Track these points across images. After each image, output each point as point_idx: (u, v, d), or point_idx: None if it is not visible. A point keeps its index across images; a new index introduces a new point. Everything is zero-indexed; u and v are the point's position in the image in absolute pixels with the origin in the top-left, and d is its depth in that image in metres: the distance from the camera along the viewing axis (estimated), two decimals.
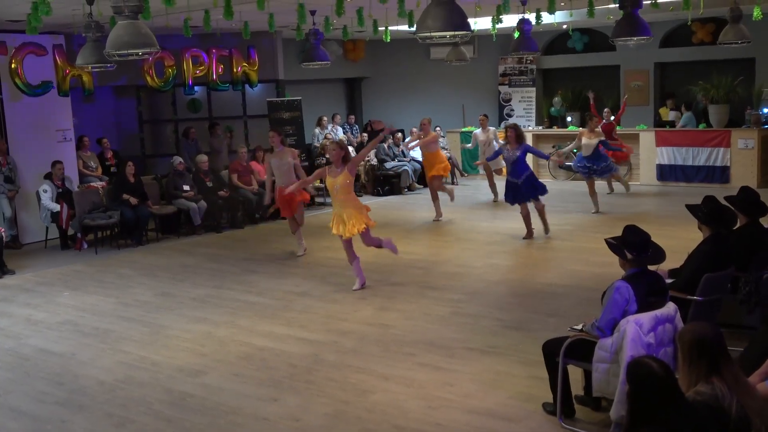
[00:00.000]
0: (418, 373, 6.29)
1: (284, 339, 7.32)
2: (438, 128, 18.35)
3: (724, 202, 6.38)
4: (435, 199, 13.09)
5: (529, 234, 11.24)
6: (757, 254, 6.16)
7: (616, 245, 5.05)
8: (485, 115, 15.24)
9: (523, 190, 11.03)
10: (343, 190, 8.67)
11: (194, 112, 16.20)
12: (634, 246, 4.95)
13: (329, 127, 17.37)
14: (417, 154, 17.27)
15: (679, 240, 8.63)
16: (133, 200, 12.17)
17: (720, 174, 15.39)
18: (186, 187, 12.93)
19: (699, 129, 15.79)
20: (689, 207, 6.29)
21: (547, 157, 12.32)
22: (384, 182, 16.72)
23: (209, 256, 11.34)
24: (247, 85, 16.10)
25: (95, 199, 12.37)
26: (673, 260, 6.01)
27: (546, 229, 11.37)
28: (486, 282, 9.13)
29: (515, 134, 11.03)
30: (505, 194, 11.42)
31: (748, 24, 11.57)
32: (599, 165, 13.27)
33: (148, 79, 14.85)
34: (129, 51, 7.14)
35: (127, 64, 12.30)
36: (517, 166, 11.06)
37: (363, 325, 7.62)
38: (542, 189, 11.19)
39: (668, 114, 17.07)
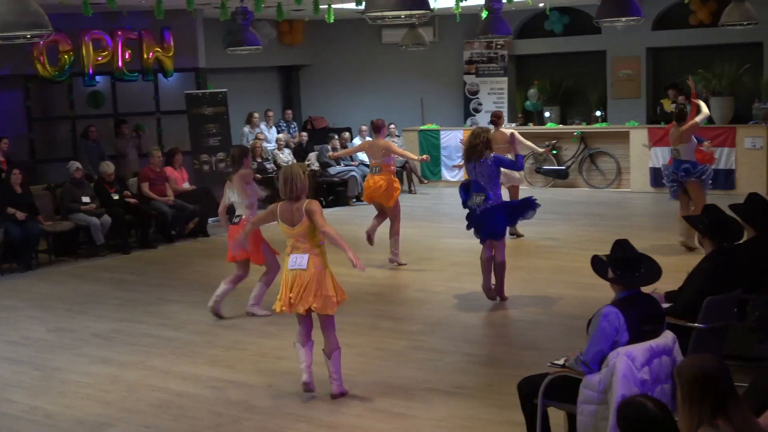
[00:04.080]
0: (371, 420, 6.29)
1: (207, 382, 7.27)
2: (392, 125, 18.42)
3: (728, 212, 6.50)
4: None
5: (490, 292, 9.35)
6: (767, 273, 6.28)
7: (599, 263, 5.09)
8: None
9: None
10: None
11: (96, 107, 16.03)
12: (619, 263, 5.00)
13: (261, 126, 17.33)
14: (365, 157, 17.34)
15: (677, 257, 8.78)
16: (20, 215, 12.00)
17: (724, 178, 15.66)
18: (86, 199, 12.81)
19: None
20: (687, 218, 6.40)
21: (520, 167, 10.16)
22: (328, 191, 16.73)
23: (115, 282, 11.23)
24: (160, 75, 16.00)
25: None
26: (670, 281, 6.11)
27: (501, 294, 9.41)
28: (450, 310, 9.16)
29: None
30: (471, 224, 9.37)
31: (755, 2, 11.74)
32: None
33: (39, 67, 14.67)
34: (14, 33, 7.04)
35: (12, 49, 12.11)
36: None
37: None
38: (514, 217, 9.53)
39: (671, 106, 17.26)
